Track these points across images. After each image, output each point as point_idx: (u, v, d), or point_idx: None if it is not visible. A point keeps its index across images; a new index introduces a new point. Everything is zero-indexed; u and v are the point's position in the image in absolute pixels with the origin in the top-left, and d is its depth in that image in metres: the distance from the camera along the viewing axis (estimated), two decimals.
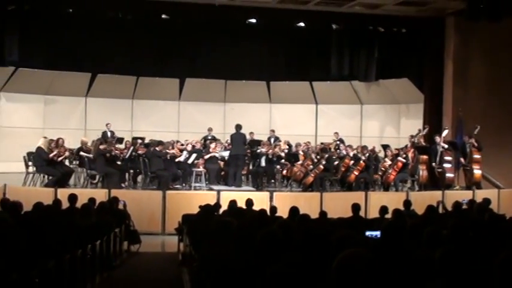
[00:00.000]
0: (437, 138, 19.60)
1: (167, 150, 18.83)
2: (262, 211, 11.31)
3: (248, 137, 21.64)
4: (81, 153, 19.03)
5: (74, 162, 19.69)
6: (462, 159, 19.71)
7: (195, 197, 16.18)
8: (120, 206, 13.98)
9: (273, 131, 23.33)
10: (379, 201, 14.23)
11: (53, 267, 7.11)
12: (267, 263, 5.07)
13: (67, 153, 18.62)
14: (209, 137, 22.04)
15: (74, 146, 19.65)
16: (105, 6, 20.78)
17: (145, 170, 18.97)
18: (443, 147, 19.46)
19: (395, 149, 20.37)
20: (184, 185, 19.35)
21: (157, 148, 18.69)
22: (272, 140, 22.29)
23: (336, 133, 22.96)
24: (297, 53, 25.24)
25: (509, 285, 3.56)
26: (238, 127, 19.65)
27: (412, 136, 20.65)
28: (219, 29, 23.14)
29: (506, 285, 3.60)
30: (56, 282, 7.29)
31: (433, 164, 19.59)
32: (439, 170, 19.51)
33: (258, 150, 20.37)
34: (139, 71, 24.37)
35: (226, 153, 19.95)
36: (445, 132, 19.91)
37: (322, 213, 12.30)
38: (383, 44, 23.54)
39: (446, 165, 19.45)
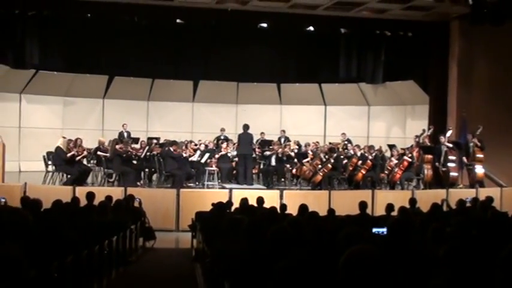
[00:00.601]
0: (442, 138, 19.58)
1: (180, 151, 18.85)
2: (273, 209, 11.30)
3: (259, 137, 21.69)
4: (99, 152, 19.08)
5: (92, 162, 19.75)
6: (465, 159, 19.66)
7: (208, 195, 16.15)
8: (136, 204, 14.01)
9: (283, 131, 23.30)
10: (385, 199, 14.21)
11: (71, 263, 7.13)
12: (277, 258, 5.07)
13: (85, 153, 18.72)
14: (222, 137, 22.04)
15: (91, 146, 19.73)
16: (122, 11, 20.84)
17: (160, 169, 19.02)
18: (447, 146, 19.43)
19: (401, 148, 20.35)
20: (197, 183, 19.37)
21: (171, 148, 18.72)
22: (282, 140, 22.28)
23: (343, 134, 22.91)
24: (307, 56, 25.20)
25: (510, 282, 3.55)
26: (246, 127, 19.69)
27: (416, 136, 20.63)
28: (231, 33, 23.16)
29: (507, 281, 3.58)
30: (74, 277, 7.31)
31: (436, 163, 19.57)
32: (444, 169, 19.47)
33: (267, 153, 20.40)
34: (155, 73, 24.44)
35: (235, 153, 19.98)
36: (449, 133, 19.89)
37: (330, 211, 12.30)
38: (389, 48, 23.46)
39: (451, 165, 19.41)
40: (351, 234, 5.20)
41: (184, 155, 18.84)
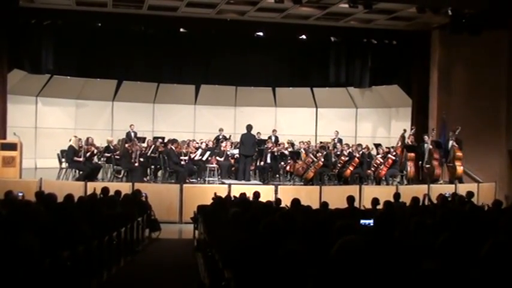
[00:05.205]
0: (426, 138, 19.63)
1: (183, 150, 18.88)
2: (268, 202, 11.29)
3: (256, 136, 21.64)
4: (107, 153, 19.11)
5: (102, 159, 19.72)
6: (447, 157, 19.67)
7: (209, 190, 16.10)
8: (143, 198, 13.96)
9: (274, 131, 23.19)
10: (371, 194, 14.22)
11: (83, 252, 7.10)
12: (271, 248, 5.05)
13: (95, 151, 18.71)
14: (221, 137, 22.01)
15: (102, 145, 19.71)
16: (129, 21, 20.85)
17: (165, 165, 19.00)
18: (431, 145, 19.46)
19: (386, 147, 20.33)
20: (199, 179, 19.31)
21: (172, 146, 18.75)
22: (273, 138, 22.19)
23: (336, 131, 22.77)
24: (300, 62, 25.21)
25: (495, 268, 3.53)
26: (249, 127, 19.48)
27: (401, 136, 20.63)
28: (230, 41, 23.22)
29: (492, 268, 3.57)
30: (85, 265, 7.29)
31: (420, 162, 19.59)
32: (427, 166, 19.48)
33: (267, 146, 20.34)
34: (160, 78, 24.39)
35: (235, 151, 19.91)
36: (433, 133, 19.92)
37: (324, 204, 12.23)
38: (376, 55, 23.47)
39: (434, 162, 19.43)
40: (343, 226, 5.20)
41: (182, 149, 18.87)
